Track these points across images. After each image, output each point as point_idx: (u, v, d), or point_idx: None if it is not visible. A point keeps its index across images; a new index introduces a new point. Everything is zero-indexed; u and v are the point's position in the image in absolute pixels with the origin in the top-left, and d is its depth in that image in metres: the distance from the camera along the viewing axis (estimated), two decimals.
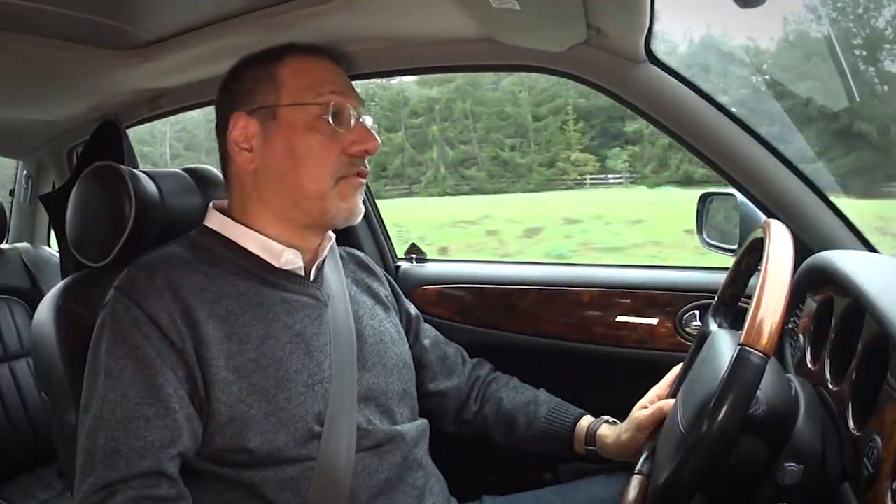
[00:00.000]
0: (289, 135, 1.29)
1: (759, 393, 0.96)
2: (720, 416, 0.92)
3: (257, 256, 1.31)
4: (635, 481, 1.28)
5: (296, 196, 1.30)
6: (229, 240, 1.32)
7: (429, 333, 1.66)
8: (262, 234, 1.32)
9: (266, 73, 1.32)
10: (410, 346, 1.58)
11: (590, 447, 1.51)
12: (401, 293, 1.65)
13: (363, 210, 1.35)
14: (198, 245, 1.32)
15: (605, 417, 1.53)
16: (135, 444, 1.12)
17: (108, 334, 1.18)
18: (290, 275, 1.33)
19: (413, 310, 1.66)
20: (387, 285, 1.61)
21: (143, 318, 1.17)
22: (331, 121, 1.29)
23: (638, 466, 1.31)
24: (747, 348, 0.93)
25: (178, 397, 1.16)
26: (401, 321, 1.59)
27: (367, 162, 1.35)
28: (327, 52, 1.38)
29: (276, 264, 1.32)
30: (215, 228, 1.34)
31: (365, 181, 1.35)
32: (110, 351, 1.17)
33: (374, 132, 1.35)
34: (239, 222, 1.33)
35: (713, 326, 1.33)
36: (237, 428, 1.19)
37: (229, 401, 1.18)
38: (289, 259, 1.32)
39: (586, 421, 1.54)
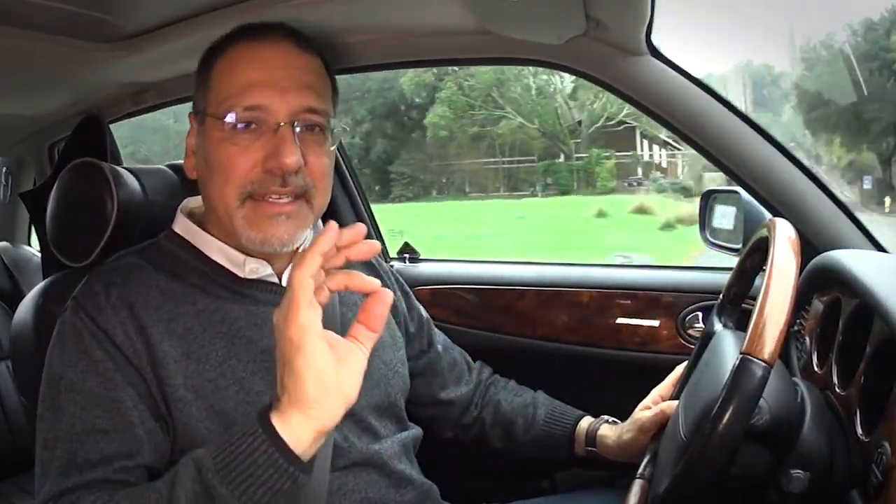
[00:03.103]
0: (206, 144, 1.22)
1: (761, 402, 0.95)
2: (720, 427, 0.91)
3: (223, 266, 1.26)
4: (637, 486, 1.28)
5: (217, 212, 1.23)
6: (195, 247, 1.28)
7: (439, 338, 1.63)
8: (224, 242, 1.26)
9: (206, 71, 1.25)
10: (424, 352, 1.56)
11: (590, 448, 1.50)
12: (410, 293, 1.61)
13: (297, 238, 1.22)
14: (164, 251, 1.28)
15: (605, 417, 1.53)
16: (92, 456, 1.09)
17: (69, 347, 1.15)
18: (259, 284, 1.27)
19: (424, 312, 1.62)
20: (391, 282, 1.55)
21: (100, 334, 1.15)
22: (244, 129, 1.18)
23: (640, 471, 1.31)
24: (749, 357, 0.92)
25: (138, 411, 1.13)
26: (412, 322, 1.56)
27: (297, 179, 1.19)
28: (284, 32, 1.26)
29: (241, 275, 1.26)
30: (181, 234, 1.30)
31: (291, 209, 1.20)
32: (71, 363, 1.14)
33: (304, 141, 1.20)
34: (205, 227, 1.28)
35: (718, 326, 1.33)
36: None
37: (189, 422, 1.15)
38: (253, 268, 1.26)
39: (586, 422, 1.53)
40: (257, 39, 1.23)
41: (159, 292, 1.21)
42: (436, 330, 1.65)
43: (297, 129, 1.19)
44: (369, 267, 1.52)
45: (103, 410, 1.12)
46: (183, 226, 1.30)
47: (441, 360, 1.59)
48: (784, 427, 1.00)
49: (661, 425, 1.37)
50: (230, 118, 1.18)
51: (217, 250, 1.27)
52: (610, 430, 1.48)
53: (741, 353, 0.93)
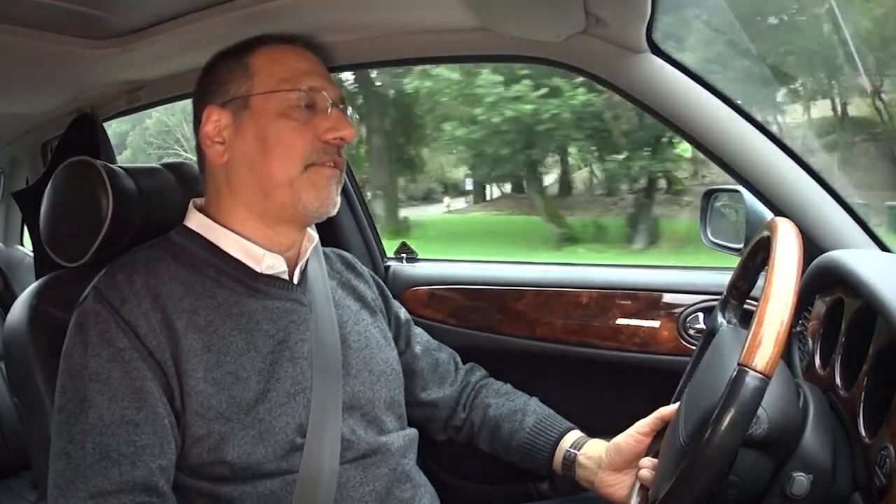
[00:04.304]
0: (260, 122, 1.29)
1: (760, 411, 0.95)
2: (716, 439, 0.91)
3: (238, 261, 1.31)
4: (638, 486, 1.30)
5: (266, 185, 1.28)
6: (210, 242, 1.31)
7: (420, 339, 1.64)
8: (242, 236, 1.31)
9: (239, 63, 1.32)
10: (401, 353, 1.56)
11: (571, 452, 1.47)
12: (390, 296, 1.64)
13: (338, 202, 1.33)
14: (178, 247, 1.31)
15: (595, 440, 1.48)
16: (125, 449, 1.12)
17: (92, 337, 1.17)
18: (272, 280, 1.32)
19: (403, 313, 1.65)
20: (374, 288, 1.59)
21: (123, 324, 1.17)
22: (304, 108, 1.29)
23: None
24: (746, 369, 0.91)
25: (163, 402, 1.16)
26: (389, 325, 1.57)
27: (343, 152, 1.34)
28: (303, 41, 1.37)
29: (258, 269, 1.31)
30: (196, 229, 1.33)
31: (340, 171, 1.33)
32: (95, 353, 1.16)
33: (351, 121, 1.34)
34: (218, 222, 1.32)
35: (721, 322, 1.33)
36: (214, 441, 1.19)
37: (207, 414, 1.18)
38: (271, 264, 1.31)
39: (571, 438, 1.50)
40: (286, 42, 1.36)
41: (180, 284, 1.25)
42: (417, 331, 1.66)
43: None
44: (349, 268, 1.57)
45: (131, 401, 1.14)
46: (198, 221, 1.34)
47: (419, 361, 1.61)
48: (784, 434, 1.00)
49: (657, 430, 1.37)
50: (301, 92, 1.30)
51: (235, 245, 1.31)
52: (596, 445, 1.46)
53: (739, 364, 0.92)
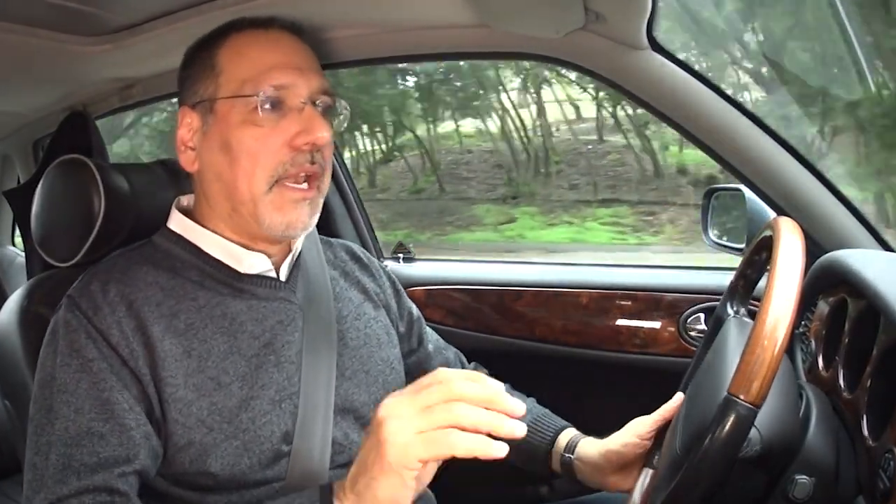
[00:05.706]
0: (224, 129, 1.22)
1: (752, 432, 0.95)
2: (708, 460, 0.92)
3: (221, 262, 1.27)
4: (646, 475, 1.30)
5: (233, 199, 1.23)
6: (192, 244, 1.28)
7: (431, 337, 1.63)
8: (222, 236, 1.27)
9: (208, 59, 1.26)
10: (413, 351, 1.55)
11: (566, 461, 1.45)
12: (402, 290, 1.60)
13: (311, 223, 1.26)
14: (160, 250, 1.29)
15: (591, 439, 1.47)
16: (88, 460, 1.09)
17: (62, 347, 1.15)
18: (258, 279, 1.28)
19: (415, 310, 1.62)
20: (383, 280, 1.55)
21: (95, 333, 1.14)
22: (270, 110, 1.20)
23: (649, 461, 1.33)
24: (735, 399, 0.91)
25: (134, 413, 1.13)
26: (401, 321, 1.55)
27: (318, 157, 1.24)
28: (280, 23, 1.29)
29: (240, 270, 1.27)
30: (178, 231, 1.30)
31: (315, 188, 1.25)
32: (64, 363, 1.14)
33: (326, 120, 1.24)
34: (200, 223, 1.29)
35: (730, 311, 1.32)
36: (197, 452, 1.16)
37: (188, 422, 1.15)
38: (253, 263, 1.27)
39: (567, 435, 1.48)
40: (260, 28, 1.27)
41: (159, 289, 1.21)
42: (428, 330, 1.64)
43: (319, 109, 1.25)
44: (355, 259, 1.53)
45: (97, 413, 1.11)
46: (178, 222, 1.31)
47: (432, 360, 1.59)
48: (780, 448, 1.00)
49: (660, 428, 1.36)
50: (261, 95, 1.20)
51: (215, 245, 1.27)
52: (591, 445, 1.44)
53: (728, 393, 0.92)
